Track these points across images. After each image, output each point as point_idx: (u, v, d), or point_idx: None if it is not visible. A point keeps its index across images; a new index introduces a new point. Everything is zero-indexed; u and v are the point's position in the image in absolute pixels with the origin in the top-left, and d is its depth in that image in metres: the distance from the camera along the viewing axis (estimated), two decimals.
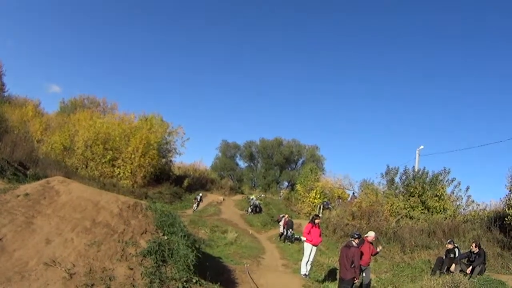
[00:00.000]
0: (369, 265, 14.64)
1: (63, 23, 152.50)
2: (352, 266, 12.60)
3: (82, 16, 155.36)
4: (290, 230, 30.36)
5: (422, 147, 36.00)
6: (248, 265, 16.65)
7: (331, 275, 17.55)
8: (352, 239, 13.29)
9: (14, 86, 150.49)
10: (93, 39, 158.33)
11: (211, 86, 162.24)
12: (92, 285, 8.67)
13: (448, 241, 16.78)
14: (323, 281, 16.73)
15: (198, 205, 45.95)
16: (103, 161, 47.56)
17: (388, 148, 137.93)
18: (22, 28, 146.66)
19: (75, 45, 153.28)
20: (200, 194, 48.57)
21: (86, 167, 47.59)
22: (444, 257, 16.27)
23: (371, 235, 14.89)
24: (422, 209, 29.12)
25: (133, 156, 48.05)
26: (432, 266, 16.51)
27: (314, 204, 46.39)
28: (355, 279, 12.78)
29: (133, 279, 9.18)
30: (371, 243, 14.82)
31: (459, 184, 30.30)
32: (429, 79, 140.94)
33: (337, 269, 15.72)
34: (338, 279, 14.03)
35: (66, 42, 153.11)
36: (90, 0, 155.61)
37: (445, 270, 15.44)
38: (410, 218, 28.45)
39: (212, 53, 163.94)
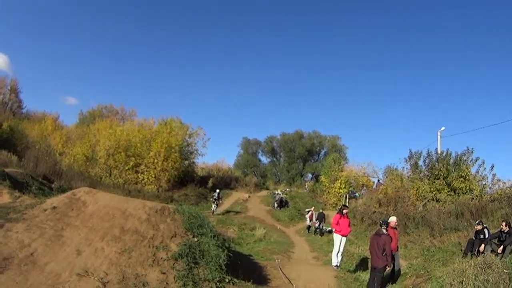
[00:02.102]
0: (397, 250, 14.56)
1: (72, 34, 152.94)
2: (383, 254, 12.51)
3: (90, 24, 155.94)
4: (321, 222, 30.27)
5: (443, 128, 35.45)
6: (279, 260, 16.57)
7: (362, 264, 17.43)
8: (383, 226, 13.22)
9: (31, 102, 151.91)
10: (104, 47, 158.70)
11: (227, 84, 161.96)
12: None
13: (477, 222, 16.53)
14: (355, 271, 16.62)
15: (217, 205, 40.49)
16: (126, 168, 47.71)
17: (409, 133, 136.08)
18: (35, 43, 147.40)
19: (87, 55, 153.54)
20: (218, 191, 41.33)
21: (110, 175, 47.83)
22: (474, 238, 16.06)
23: (393, 220, 14.69)
24: (448, 191, 28.75)
25: (155, 160, 48.06)
26: (463, 249, 16.31)
27: (340, 194, 46.30)
28: (387, 266, 12.73)
29: (166, 283, 9.24)
30: (395, 228, 14.71)
31: (484, 163, 29.84)
32: (443, 57, 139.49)
33: (368, 258, 15.62)
34: (370, 268, 13.94)
35: (78, 53, 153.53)
36: (96, 6, 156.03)
37: (476, 252, 15.22)
38: (437, 201, 28.10)
39: (225, 49, 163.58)
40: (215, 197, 40.10)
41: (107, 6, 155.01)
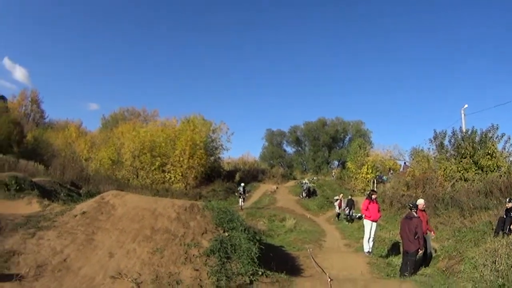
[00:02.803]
0: (427, 233, 14.41)
1: (87, 40, 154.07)
2: (416, 238, 12.41)
3: (104, 28, 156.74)
4: (350, 209, 30.17)
5: (466, 106, 34.80)
6: (311, 249, 16.50)
7: (394, 249, 17.30)
8: (413, 209, 13.11)
9: (54, 111, 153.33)
10: (120, 50, 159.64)
11: (247, 77, 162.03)
12: None
13: (507, 199, 16.29)
14: (387, 256, 16.52)
15: (244, 200, 38.82)
16: (153, 168, 48.14)
17: (432, 113, 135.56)
18: (51, 52, 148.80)
19: (105, 60, 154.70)
20: (242, 185, 39.68)
21: (137, 177, 48.32)
22: (504, 216, 15.83)
23: (420, 202, 14.51)
24: (475, 170, 28.30)
25: (181, 159, 48.41)
26: (494, 227, 16.09)
27: (367, 180, 46.13)
28: (419, 250, 12.63)
29: (200, 279, 9.26)
30: (424, 210, 14.56)
31: (510, 139, 29.29)
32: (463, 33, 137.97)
33: (400, 242, 15.48)
34: (402, 252, 13.84)
35: (95, 58, 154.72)
36: (110, 7, 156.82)
37: (507, 230, 15.00)
38: (465, 180, 27.71)
39: (241, 42, 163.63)
40: (240, 192, 38.57)
41: (121, 7, 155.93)
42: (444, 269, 12.45)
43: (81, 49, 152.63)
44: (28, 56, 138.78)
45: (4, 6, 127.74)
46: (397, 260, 14.66)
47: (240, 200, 38.00)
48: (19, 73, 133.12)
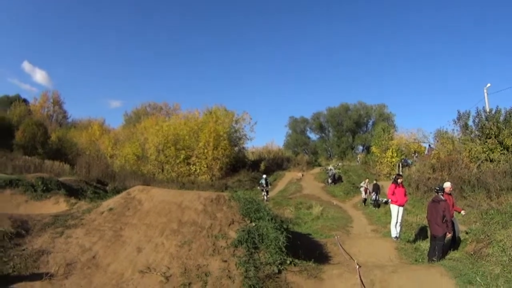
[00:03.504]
0: (453, 216, 14.26)
1: (103, 36, 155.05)
2: (444, 221, 12.29)
3: (119, 25, 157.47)
4: (377, 194, 30.06)
5: (489, 85, 34.17)
6: (338, 236, 16.41)
7: (421, 233, 17.19)
8: (440, 193, 12.99)
9: (76, 111, 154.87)
10: (137, 46, 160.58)
11: (268, 66, 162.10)
12: (189, 284, 8.83)
13: None
14: (415, 240, 16.38)
15: (267, 192, 35.63)
16: (178, 161, 48.72)
17: (454, 93, 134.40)
18: (70, 52, 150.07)
19: (123, 56, 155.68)
20: (264, 176, 36.78)
21: (162, 171, 48.87)
22: None
23: (447, 185, 14.34)
24: (501, 150, 27.78)
25: (205, 150, 48.87)
26: None
27: (392, 164, 45.87)
28: (447, 234, 12.50)
29: (228, 271, 9.26)
30: (450, 194, 14.41)
31: None
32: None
33: (427, 227, 15.36)
34: (429, 237, 13.74)
35: (113, 55, 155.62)
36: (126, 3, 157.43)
37: None
38: (491, 161, 27.29)
39: (262, 29, 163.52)
40: (263, 184, 35.49)
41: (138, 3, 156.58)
42: (472, 253, 12.30)
43: (99, 48, 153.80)
44: (47, 58, 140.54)
45: (19, 9, 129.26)
46: (425, 245, 14.51)
47: (263, 193, 34.85)
48: (39, 75, 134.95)
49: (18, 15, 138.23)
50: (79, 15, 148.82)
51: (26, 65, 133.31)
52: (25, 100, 72.12)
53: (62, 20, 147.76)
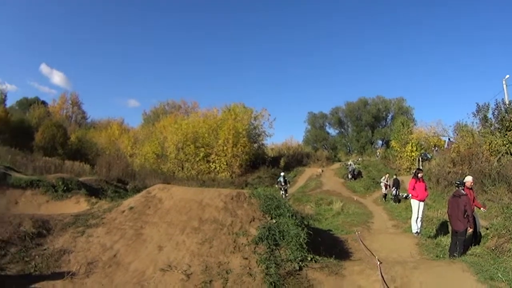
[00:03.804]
0: (474, 211, 14.11)
1: (121, 35, 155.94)
2: (465, 216, 12.15)
3: (135, 22, 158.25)
4: (397, 189, 29.90)
5: (507, 76, 33.63)
6: (359, 232, 16.37)
7: (442, 228, 16.99)
8: (461, 187, 12.87)
9: (95, 111, 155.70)
10: (154, 44, 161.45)
11: (285, 62, 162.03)
12: (210, 281, 8.85)
13: None
14: (435, 236, 16.24)
15: (286, 191, 34.00)
16: (197, 159, 49.04)
17: (473, 85, 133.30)
18: (86, 53, 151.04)
19: (140, 55, 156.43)
20: (282, 174, 34.95)
21: (182, 168, 49.17)
22: None
23: (469, 180, 14.16)
24: None
25: (225, 148, 49.13)
26: None
27: (412, 158, 45.56)
28: (468, 229, 12.34)
29: (249, 268, 9.26)
30: (471, 188, 14.27)
31: None
32: None
33: (448, 222, 15.23)
34: (450, 232, 13.61)
35: (130, 55, 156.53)
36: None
37: None
38: (511, 154, 27.17)
39: (280, 25, 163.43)
40: (281, 183, 33.77)
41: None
42: (493, 248, 12.18)
43: (116, 48, 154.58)
44: (64, 60, 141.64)
45: (33, 12, 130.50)
46: (446, 240, 14.37)
47: (282, 192, 32.56)
48: (57, 77, 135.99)
49: (33, 18, 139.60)
50: (95, 15, 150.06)
51: (44, 68, 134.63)
52: (43, 102, 73.06)
53: (78, 21, 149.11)
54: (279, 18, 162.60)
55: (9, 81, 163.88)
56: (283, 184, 33.78)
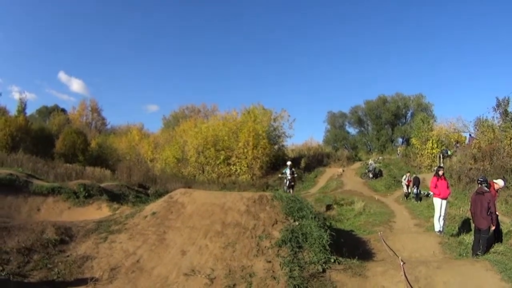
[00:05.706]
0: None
1: (139, 44, 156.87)
2: (488, 214, 11.99)
3: (152, 27, 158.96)
4: (417, 187, 29.68)
5: None
6: (381, 232, 16.24)
7: (465, 226, 16.90)
8: (484, 184, 12.71)
9: (115, 117, 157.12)
10: (171, 49, 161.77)
11: (303, 62, 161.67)
12: (234, 285, 8.89)
13: None
14: (458, 234, 16.12)
15: (293, 188, 27.02)
16: (218, 162, 49.10)
17: (491, 79, 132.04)
18: (107, 57, 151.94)
19: (159, 61, 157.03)
20: (289, 163, 27.72)
21: (203, 172, 49.31)
22: None
23: (500, 183, 13.93)
24: None
25: (245, 150, 49.04)
26: None
27: (433, 155, 45.20)
28: (491, 227, 12.20)
29: (273, 271, 9.26)
30: (497, 190, 14.09)
31: None
32: None
33: (470, 219, 15.10)
34: (473, 230, 13.47)
35: (149, 60, 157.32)
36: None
37: None
38: None
39: (297, 26, 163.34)
40: (286, 175, 26.79)
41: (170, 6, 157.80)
42: None
43: (133, 53, 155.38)
44: (81, 67, 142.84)
45: (49, 21, 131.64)
46: (469, 238, 14.23)
47: (285, 187, 26.74)
48: (76, 84, 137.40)
49: (51, 28, 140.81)
50: (112, 22, 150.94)
51: (62, 76, 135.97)
52: (63, 110, 74.13)
53: (95, 29, 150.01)
54: (296, 19, 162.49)
55: (28, 90, 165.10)
56: (289, 177, 26.62)
